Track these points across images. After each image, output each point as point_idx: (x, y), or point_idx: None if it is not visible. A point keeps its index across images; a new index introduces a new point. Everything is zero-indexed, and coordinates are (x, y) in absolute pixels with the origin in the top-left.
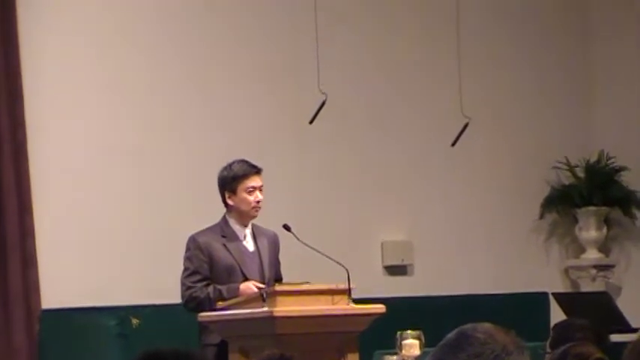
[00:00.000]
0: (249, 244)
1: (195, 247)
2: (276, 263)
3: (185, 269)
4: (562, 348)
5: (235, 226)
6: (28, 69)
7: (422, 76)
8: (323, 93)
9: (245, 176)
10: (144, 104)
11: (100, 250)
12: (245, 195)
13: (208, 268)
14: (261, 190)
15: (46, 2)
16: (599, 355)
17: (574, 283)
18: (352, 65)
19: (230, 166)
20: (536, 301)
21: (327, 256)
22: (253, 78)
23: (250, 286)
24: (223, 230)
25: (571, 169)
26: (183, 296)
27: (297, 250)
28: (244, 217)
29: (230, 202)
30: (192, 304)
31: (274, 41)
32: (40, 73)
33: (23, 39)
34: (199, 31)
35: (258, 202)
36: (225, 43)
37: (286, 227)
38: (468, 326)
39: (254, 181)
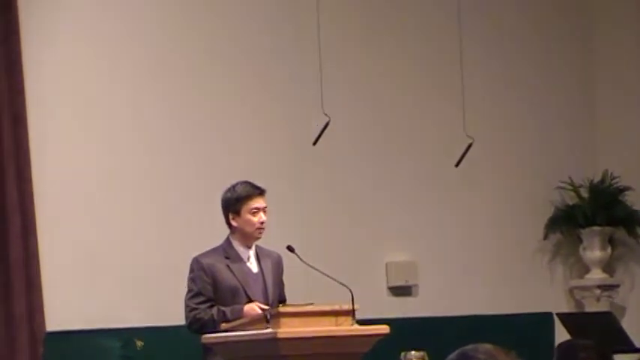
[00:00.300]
0: (252, 266)
1: (198, 269)
2: (280, 285)
3: (189, 291)
4: None
5: (239, 247)
6: (32, 96)
7: (425, 96)
8: (326, 115)
9: (249, 197)
10: (146, 128)
11: (104, 273)
12: (249, 216)
13: (212, 289)
14: (265, 212)
15: (46, 13)
16: None
17: (578, 304)
18: (355, 87)
19: (234, 187)
20: (541, 322)
21: (331, 277)
22: (257, 100)
23: (254, 308)
24: (227, 252)
25: (575, 189)
26: (187, 318)
27: (300, 271)
28: (248, 239)
29: (234, 223)
30: (196, 325)
31: (278, 63)
32: (42, 97)
33: (25, 47)
34: (205, 52)
35: (262, 223)
36: (230, 65)
37: (290, 248)
38: (470, 347)
39: (258, 202)
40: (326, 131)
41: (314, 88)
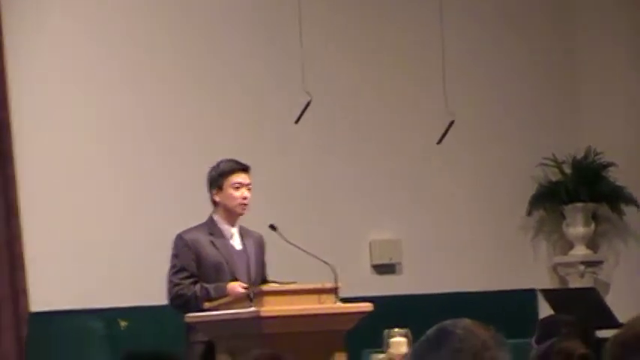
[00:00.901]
0: (236, 243)
1: (182, 245)
2: (262, 265)
3: (172, 266)
4: (547, 343)
5: (223, 224)
6: (14, 69)
7: (406, 74)
8: (308, 93)
9: (231, 172)
10: (130, 105)
11: (88, 253)
12: (231, 191)
13: (196, 265)
14: (249, 189)
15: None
16: (583, 350)
17: (562, 280)
18: (337, 65)
19: (218, 164)
20: (525, 298)
21: (314, 256)
22: (238, 79)
23: (237, 287)
24: (211, 229)
25: (558, 165)
26: (169, 293)
27: (283, 250)
28: (231, 215)
29: (217, 198)
30: (179, 301)
31: (259, 42)
32: (25, 73)
33: (9, 39)
34: (190, 28)
35: (244, 198)
36: (211, 43)
37: (272, 227)
38: (448, 322)
39: (240, 178)
40: (308, 110)
41: (296, 66)
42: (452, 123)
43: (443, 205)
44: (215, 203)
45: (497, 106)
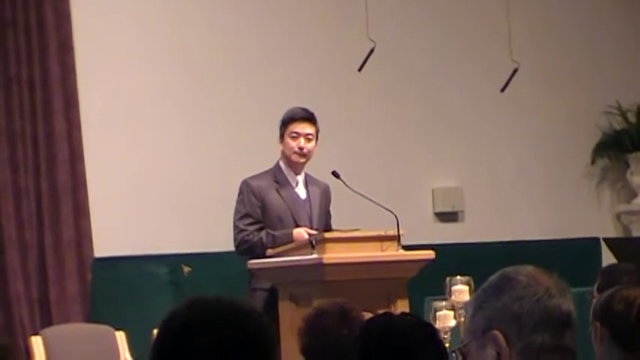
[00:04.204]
0: (300, 192)
1: (248, 191)
2: (326, 215)
3: (237, 212)
4: (608, 292)
5: (287, 172)
6: (79, 21)
7: (471, 22)
8: (372, 40)
9: (291, 120)
10: (191, 54)
11: (152, 199)
12: (289, 140)
13: (260, 212)
14: (308, 139)
15: None
16: None
17: (626, 228)
18: (401, 12)
19: (287, 111)
20: (588, 247)
21: (376, 203)
22: (302, 27)
23: (302, 233)
24: (276, 176)
25: (622, 113)
26: (235, 239)
27: (346, 197)
28: (291, 164)
29: (280, 146)
30: (244, 246)
31: None
32: (90, 28)
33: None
34: None
35: (301, 148)
36: None
37: (335, 174)
38: (511, 269)
39: (299, 127)
40: (371, 57)
41: (360, 14)
42: (516, 70)
43: (506, 154)
44: (281, 151)
45: (560, 54)
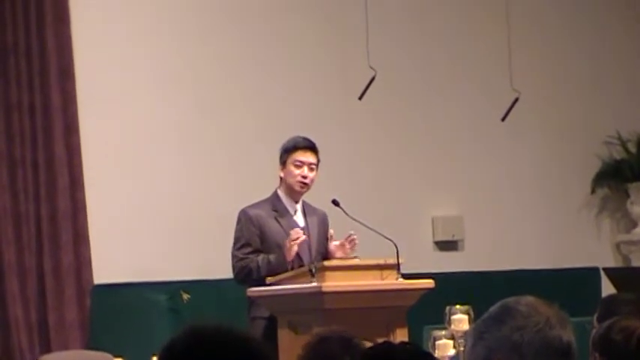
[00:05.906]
0: (299, 220)
1: (246, 220)
2: (324, 242)
3: (236, 241)
4: (608, 322)
5: (286, 200)
6: (80, 49)
7: (471, 51)
8: (372, 69)
9: (294, 149)
10: (191, 81)
11: (151, 227)
12: (292, 168)
13: (259, 240)
14: (311, 169)
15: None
16: None
17: (625, 258)
18: (401, 41)
19: (288, 140)
20: (588, 276)
21: (376, 231)
22: (303, 54)
23: (298, 231)
24: (274, 205)
25: (623, 143)
26: (234, 268)
27: (346, 226)
28: (291, 192)
29: (281, 174)
30: (243, 273)
31: (324, 17)
32: (91, 55)
33: (75, 21)
34: (255, 6)
35: (304, 177)
36: (276, 18)
37: (335, 202)
38: (511, 299)
39: (303, 156)
40: (372, 86)
41: (360, 43)
42: (516, 100)
43: (506, 182)
44: (280, 178)
45: (561, 83)
